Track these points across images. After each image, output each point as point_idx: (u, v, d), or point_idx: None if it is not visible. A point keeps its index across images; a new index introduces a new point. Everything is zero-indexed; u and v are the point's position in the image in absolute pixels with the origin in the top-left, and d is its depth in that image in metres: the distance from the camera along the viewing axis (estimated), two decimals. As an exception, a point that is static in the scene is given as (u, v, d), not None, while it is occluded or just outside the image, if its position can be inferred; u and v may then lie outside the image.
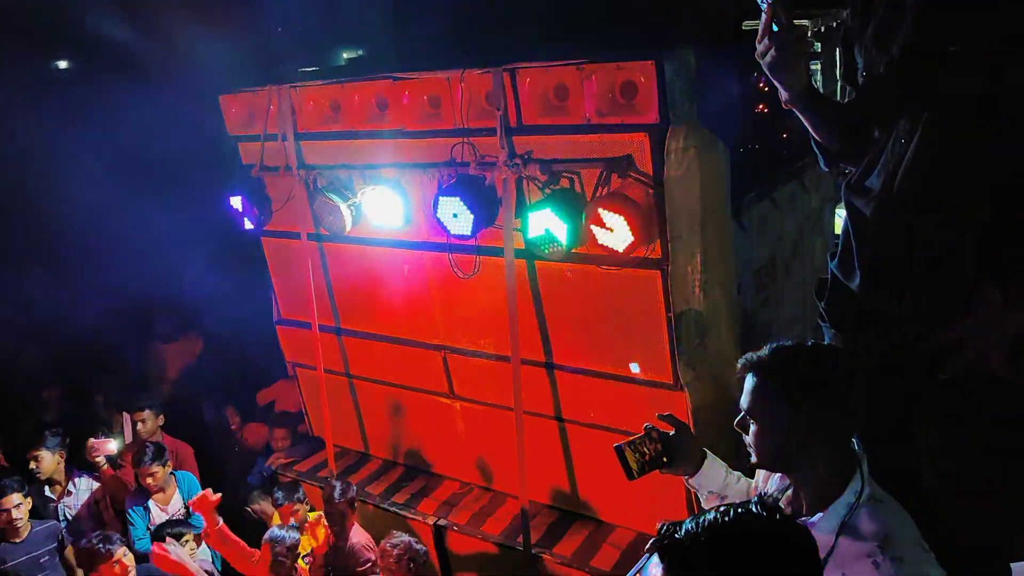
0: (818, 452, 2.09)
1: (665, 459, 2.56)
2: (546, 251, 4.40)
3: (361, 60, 5.24)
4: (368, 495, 5.79)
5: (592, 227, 4.15)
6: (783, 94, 2.08)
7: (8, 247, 7.48)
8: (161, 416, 6.18)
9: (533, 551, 4.96)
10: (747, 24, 5.62)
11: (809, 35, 2.09)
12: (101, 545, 4.76)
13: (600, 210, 4.10)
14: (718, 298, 4.51)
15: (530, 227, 4.39)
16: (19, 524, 5.28)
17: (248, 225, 5.75)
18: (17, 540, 5.31)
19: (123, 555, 4.82)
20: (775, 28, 1.95)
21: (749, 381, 2.19)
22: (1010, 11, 1.71)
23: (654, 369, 4.49)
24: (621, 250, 4.14)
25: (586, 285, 4.54)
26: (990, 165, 1.80)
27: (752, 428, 2.22)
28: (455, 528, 5.35)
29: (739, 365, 2.22)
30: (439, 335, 5.37)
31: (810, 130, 2.20)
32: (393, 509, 5.64)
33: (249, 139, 5.71)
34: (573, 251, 4.34)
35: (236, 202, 5.70)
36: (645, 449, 2.53)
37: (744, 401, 2.21)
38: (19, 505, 5.26)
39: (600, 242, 4.16)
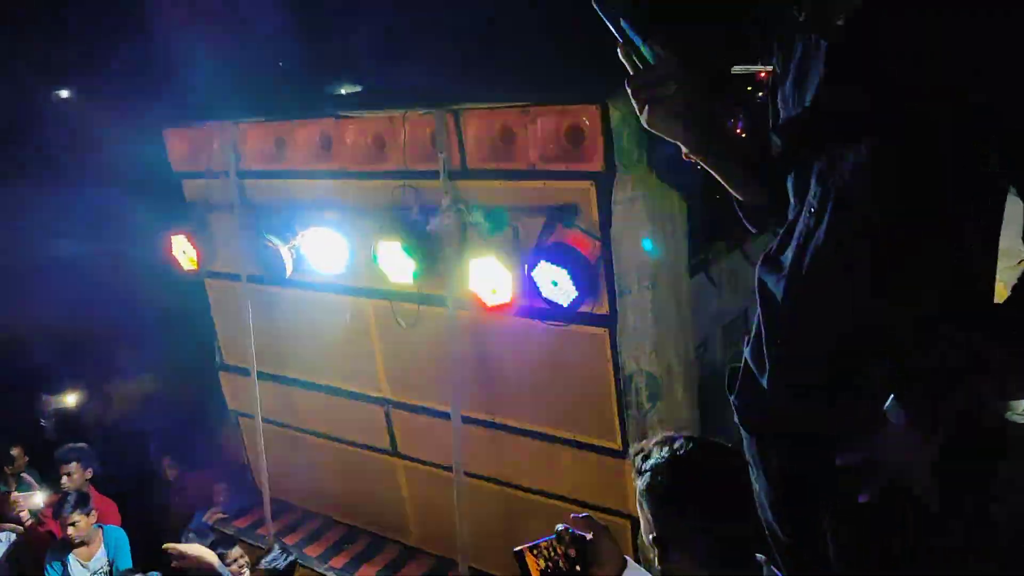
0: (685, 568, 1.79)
1: (578, 568, 2.20)
2: (488, 302, 4.13)
3: (308, 97, 4.99)
4: (304, 556, 5.42)
5: (535, 279, 3.88)
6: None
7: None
8: (90, 469, 5.80)
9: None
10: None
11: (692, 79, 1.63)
12: None
13: (543, 262, 3.82)
14: (673, 358, 4.20)
15: (471, 277, 4.13)
16: None
17: (190, 266, 5.48)
18: None
19: None
20: (638, 65, 1.64)
21: (644, 477, 1.89)
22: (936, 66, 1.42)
23: (601, 434, 4.17)
24: (565, 305, 3.86)
25: (531, 341, 4.24)
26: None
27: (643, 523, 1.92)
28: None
29: (631, 455, 1.92)
30: (382, 388, 5.05)
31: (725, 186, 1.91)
32: (330, 574, 5.27)
33: (193, 176, 5.45)
34: (518, 304, 4.07)
35: (178, 241, 5.44)
36: (554, 555, 2.18)
37: None
38: None
39: (544, 295, 3.89)
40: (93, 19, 5.65)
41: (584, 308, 3.93)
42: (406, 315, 4.67)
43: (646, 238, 3.80)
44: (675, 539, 1.83)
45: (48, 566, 5.22)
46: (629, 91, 1.58)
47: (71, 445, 6.01)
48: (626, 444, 4.09)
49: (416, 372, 4.84)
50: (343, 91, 5.09)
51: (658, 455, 1.83)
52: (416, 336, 4.68)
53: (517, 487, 4.54)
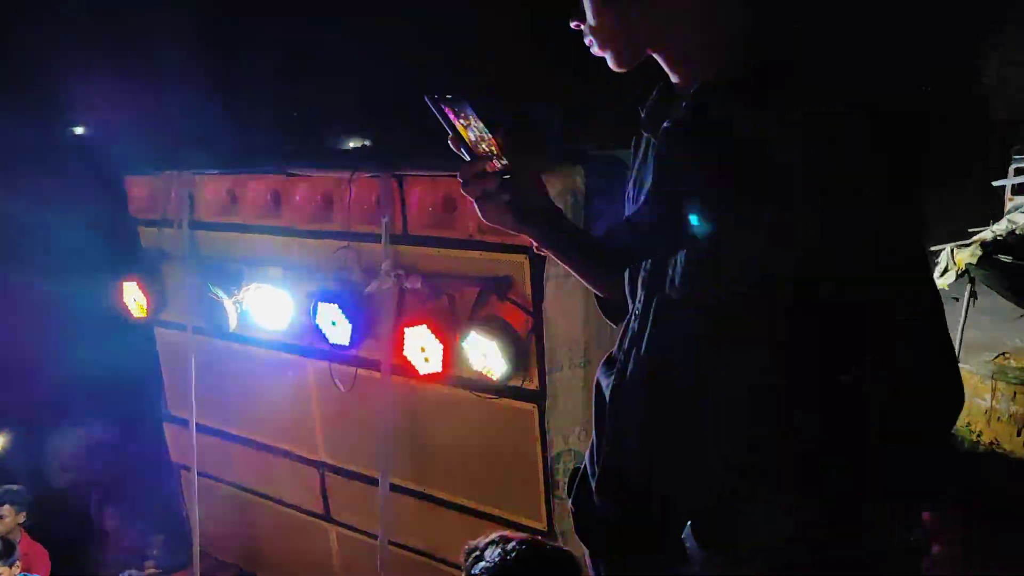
0: None
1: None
2: (420, 370, 4.06)
3: (262, 153, 5.00)
4: (231, 620, 5.26)
5: (467, 350, 3.81)
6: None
7: None
8: (23, 514, 5.67)
9: None
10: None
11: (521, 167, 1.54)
12: None
13: (474, 332, 3.76)
14: (606, 438, 4.11)
15: (407, 344, 4.07)
16: None
17: (139, 313, 5.43)
18: None
19: None
20: (466, 155, 1.59)
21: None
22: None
23: (527, 513, 4.05)
24: (495, 378, 3.79)
25: (461, 412, 4.16)
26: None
27: None
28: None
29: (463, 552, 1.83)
30: (319, 451, 4.95)
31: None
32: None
33: (149, 224, 5.44)
34: (449, 374, 4.00)
35: (130, 288, 5.40)
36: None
37: None
38: None
39: (475, 367, 3.82)
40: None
41: (514, 382, 3.85)
42: (344, 377, 4.60)
43: (577, 315, 3.74)
44: None
45: (-36, 615, 5.07)
46: (460, 182, 1.53)
47: (6, 487, 5.88)
48: (551, 525, 3.97)
49: (352, 436, 4.74)
50: (294, 148, 5.10)
51: (489, 558, 1.75)
52: (353, 399, 4.59)
53: (442, 561, 4.40)
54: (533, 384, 3.85)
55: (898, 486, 1.32)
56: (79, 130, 7.24)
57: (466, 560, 1.82)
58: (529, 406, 3.89)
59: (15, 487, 5.89)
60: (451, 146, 1.51)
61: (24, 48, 5.87)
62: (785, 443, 1.36)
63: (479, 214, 1.54)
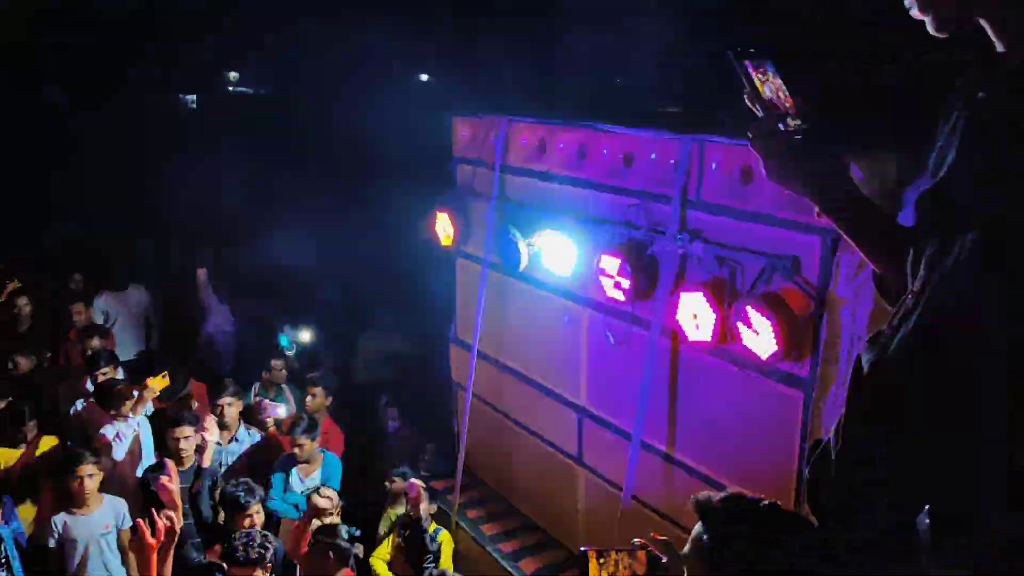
0: None
1: None
2: (689, 336, 4.09)
3: (577, 108, 5.23)
4: (479, 531, 5.71)
5: (739, 324, 3.77)
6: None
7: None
8: (330, 398, 6.57)
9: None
10: None
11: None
12: (243, 494, 5.08)
13: (750, 308, 3.71)
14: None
15: (681, 308, 4.10)
16: (88, 495, 5.30)
17: (446, 242, 5.98)
18: (82, 511, 5.35)
19: (256, 511, 5.11)
20: (760, 111, 1.54)
21: (697, 524, 1.84)
22: None
23: (776, 497, 3.93)
24: (763, 357, 3.72)
25: (723, 385, 4.12)
26: None
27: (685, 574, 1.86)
28: (543, 597, 5.10)
29: (691, 499, 1.86)
30: (580, 397, 5.17)
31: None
32: (495, 555, 5.50)
33: (466, 162, 5.94)
34: (718, 345, 3.99)
35: (442, 218, 5.96)
36: (620, 566, 2.19)
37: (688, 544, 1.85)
38: (92, 475, 5.29)
39: (744, 343, 3.77)
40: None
41: (783, 365, 3.76)
42: (615, 331, 4.75)
43: (862, 307, 3.53)
44: None
45: (274, 473, 6.00)
46: (749, 137, 1.55)
47: (321, 373, 6.85)
48: (798, 517, 3.84)
49: (613, 388, 4.89)
50: (604, 104, 5.25)
51: (727, 505, 1.77)
52: (620, 353, 4.74)
53: (678, 524, 4.43)
54: (804, 370, 3.72)
55: None
56: (423, 77, 7.97)
57: (702, 506, 1.86)
58: (796, 392, 3.77)
59: (330, 375, 6.84)
60: (746, 101, 1.53)
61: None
62: None
63: (763, 171, 1.56)
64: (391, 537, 5.48)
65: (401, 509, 5.53)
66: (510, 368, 5.83)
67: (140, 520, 3.38)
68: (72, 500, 5.42)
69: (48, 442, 6.18)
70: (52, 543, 5.40)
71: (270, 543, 4.32)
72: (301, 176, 8.59)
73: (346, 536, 4.69)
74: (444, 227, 5.97)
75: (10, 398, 6.37)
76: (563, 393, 5.31)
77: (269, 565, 4.31)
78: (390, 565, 5.38)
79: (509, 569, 5.38)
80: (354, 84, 7.13)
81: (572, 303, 5.08)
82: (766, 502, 1.80)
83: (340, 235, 7.10)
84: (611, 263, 4.44)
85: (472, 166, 5.87)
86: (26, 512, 5.91)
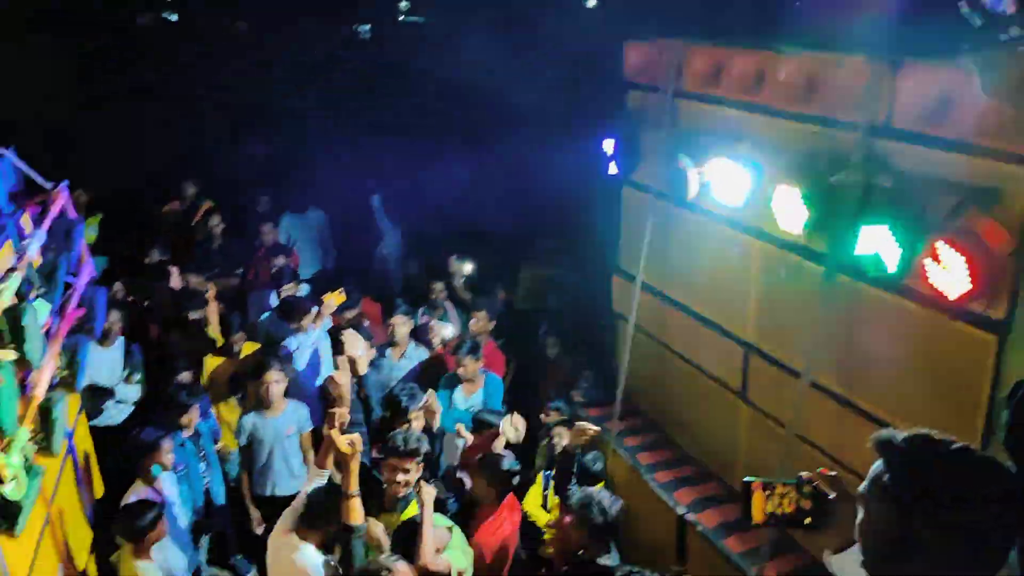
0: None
1: (807, 521, 2.15)
2: (870, 272, 3.87)
3: (754, 29, 4.95)
4: (636, 460, 5.77)
5: (926, 260, 3.53)
6: None
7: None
8: (493, 322, 6.76)
9: (763, 586, 4.55)
10: None
11: None
12: (406, 398, 5.37)
13: (940, 243, 3.45)
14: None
15: (860, 241, 3.88)
16: (273, 399, 5.81)
17: (613, 171, 5.91)
18: (269, 414, 5.89)
19: (416, 416, 5.40)
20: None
21: (877, 463, 1.75)
22: None
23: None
24: (952, 297, 3.47)
25: (906, 325, 3.89)
26: None
27: (860, 512, 1.78)
28: (698, 527, 5.10)
29: (872, 437, 1.77)
30: (747, 331, 5.04)
31: None
32: (652, 484, 5.55)
33: (637, 88, 5.81)
34: (901, 282, 3.76)
35: (609, 145, 5.88)
36: (786, 499, 2.15)
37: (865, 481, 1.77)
38: (277, 381, 5.80)
39: (930, 280, 3.53)
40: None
41: (975, 306, 3.49)
42: (788, 265, 4.57)
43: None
44: None
45: (438, 391, 6.28)
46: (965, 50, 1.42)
47: (487, 299, 7.05)
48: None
49: (783, 324, 4.73)
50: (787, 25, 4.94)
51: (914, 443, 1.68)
52: (792, 288, 4.56)
53: (848, 468, 4.28)
54: (999, 313, 3.45)
55: None
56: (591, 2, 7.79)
57: (883, 444, 1.76)
58: (988, 336, 3.50)
59: (492, 300, 7.03)
60: (963, 7, 1.40)
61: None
62: None
63: (980, 88, 1.43)
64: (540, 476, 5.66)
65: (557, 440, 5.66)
66: (674, 300, 5.75)
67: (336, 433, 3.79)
68: (261, 403, 5.94)
69: (250, 347, 6.77)
70: (243, 441, 5.95)
71: (427, 443, 4.62)
72: (468, 104, 8.71)
73: (508, 467, 4.85)
74: (612, 156, 5.89)
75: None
76: (729, 327, 5.20)
77: (423, 463, 4.59)
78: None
79: (665, 498, 5.40)
80: (523, 10, 7.09)
81: (743, 235, 4.92)
82: (957, 444, 1.69)
83: (506, 163, 7.18)
84: (788, 193, 4.24)
85: (643, 92, 5.74)
86: (229, 414, 6.51)
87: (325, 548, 4.21)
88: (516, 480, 4.99)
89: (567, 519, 4.46)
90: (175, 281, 7.65)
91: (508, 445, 5.31)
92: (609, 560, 4.43)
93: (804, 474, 2.19)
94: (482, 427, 5.73)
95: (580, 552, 4.43)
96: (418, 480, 4.49)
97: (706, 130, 5.07)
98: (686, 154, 5.03)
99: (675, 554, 5.34)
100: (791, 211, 4.26)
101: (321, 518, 4.16)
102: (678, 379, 5.86)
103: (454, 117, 9.37)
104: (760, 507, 2.14)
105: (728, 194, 4.81)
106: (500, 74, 7.37)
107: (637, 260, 5.79)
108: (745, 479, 2.18)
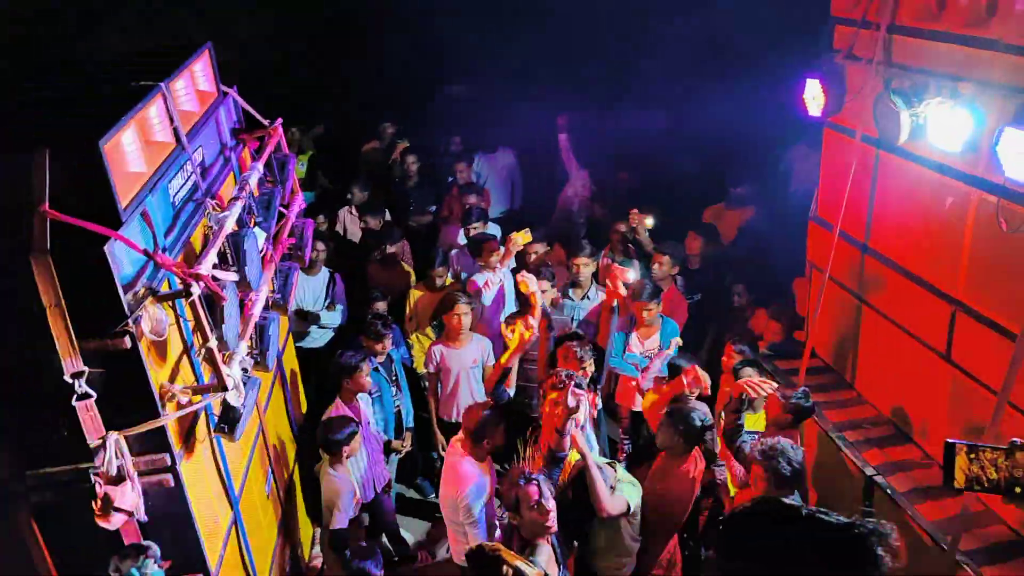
0: None
1: (1019, 490, 2.00)
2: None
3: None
4: (823, 417, 5.55)
5: None
6: None
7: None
8: (676, 267, 6.67)
9: (957, 559, 4.28)
10: None
11: None
12: (576, 345, 5.43)
13: None
14: None
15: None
16: (461, 332, 6.12)
17: (814, 112, 5.58)
18: (456, 345, 6.17)
19: (585, 354, 5.42)
20: None
21: None
22: None
23: None
24: None
25: None
26: None
27: None
28: (887, 491, 4.86)
29: None
30: (956, 288, 4.66)
31: None
32: (839, 443, 5.32)
33: (846, 23, 5.41)
34: None
35: (811, 85, 5.55)
36: (994, 465, 2.01)
37: None
38: (465, 315, 6.05)
39: None
40: None
41: None
42: (1012, 217, 4.15)
43: None
44: None
45: (616, 333, 6.31)
46: None
47: (672, 243, 6.96)
48: None
49: (1000, 282, 4.34)
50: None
51: None
52: (1014, 243, 4.15)
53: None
54: None
55: None
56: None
57: None
58: None
59: (679, 247, 6.92)
60: None
61: None
62: None
63: None
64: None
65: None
66: (875, 251, 5.41)
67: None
68: (449, 335, 6.23)
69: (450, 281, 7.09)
70: (431, 368, 6.28)
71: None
72: (662, 42, 8.44)
73: (701, 422, 4.77)
74: (814, 95, 5.54)
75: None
76: (934, 283, 4.83)
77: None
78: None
79: (852, 458, 5.18)
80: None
81: (958, 183, 4.52)
82: None
83: (700, 105, 6.95)
84: (1017, 138, 3.84)
85: (852, 27, 5.33)
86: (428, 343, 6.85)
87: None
88: (708, 436, 4.94)
89: (754, 468, 4.36)
90: (373, 218, 8.10)
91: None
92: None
93: (1018, 440, 2.04)
94: (675, 372, 5.67)
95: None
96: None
97: (922, 68, 4.66)
98: (898, 94, 4.66)
99: (859, 517, 5.12)
100: (1020, 157, 3.86)
101: (480, 432, 4.72)
102: (874, 335, 5.54)
103: (647, 56, 9.13)
104: (963, 471, 2.02)
105: (945, 138, 4.43)
106: (696, 10, 7.12)
107: (836, 207, 5.47)
108: (948, 440, 2.06)
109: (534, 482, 3.94)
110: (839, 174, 5.48)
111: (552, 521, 3.93)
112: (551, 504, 3.94)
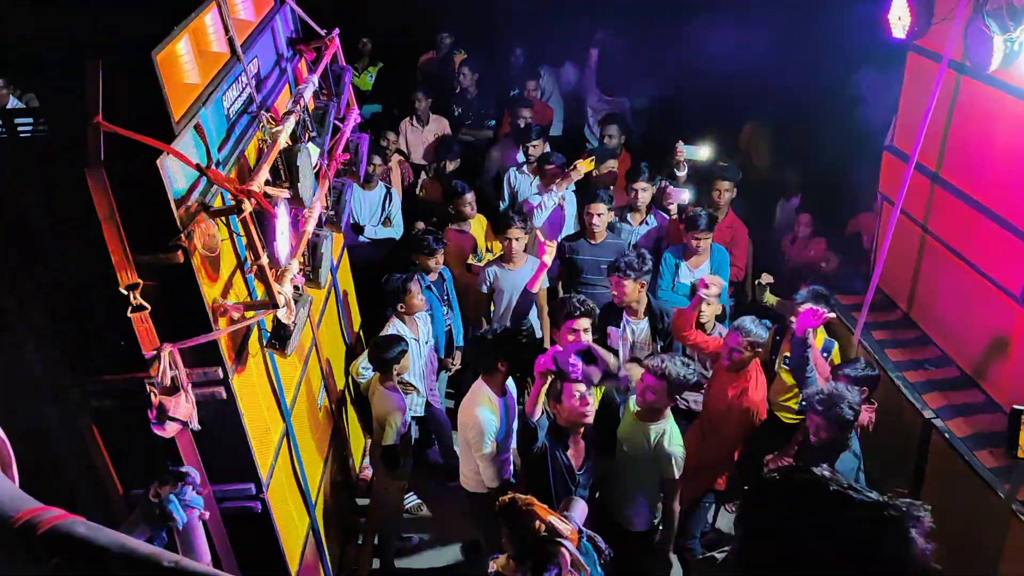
0: None
1: None
2: None
3: None
4: (883, 355, 5.39)
5: None
6: None
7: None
8: (735, 191, 6.45)
9: (1013, 507, 4.16)
10: None
11: None
12: (636, 260, 5.29)
13: None
14: None
15: None
16: (514, 254, 5.98)
17: (898, 33, 5.23)
18: (509, 267, 6.04)
19: (636, 280, 5.30)
20: None
21: None
22: None
23: None
24: None
25: None
26: None
27: None
28: (945, 435, 4.74)
29: None
30: (1038, 227, 4.41)
31: None
32: (898, 382, 5.18)
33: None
34: None
35: (898, 5, 5.18)
36: None
37: None
38: (517, 239, 5.92)
39: None
40: None
41: None
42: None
43: None
44: None
45: (666, 255, 6.17)
46: None
47: (726, 164, 6.72)
48: None
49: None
50: None
51: None
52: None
53: None
54: None
55: None
56: None
57: None
58: None
59: (733, 167, 6.68)
60: None
61: None
62: None
63: None
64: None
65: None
66: (952, 185, 5.13)
67: None
68: (502, 256, 6.17)
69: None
70: (484, 289, 6.25)
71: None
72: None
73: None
74: (899, 15, 5.19)
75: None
76: (1015, 222, 4.57)
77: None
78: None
79: (911, 399, 5.04)
80: None
81: (1051, 116, 4.22)
82: None
83: (771, 24, 6.56)
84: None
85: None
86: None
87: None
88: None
89: (812, 419, 4.24)
90: (429, 132, 7.98)
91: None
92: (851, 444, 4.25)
93: None
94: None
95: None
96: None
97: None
98: (992, 17, 4.32)
99: (914, 461, 5.02)
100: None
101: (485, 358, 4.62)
102: (945, 274, 5.31)
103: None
104: None
105: (1043, 67, 4.12)
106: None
107: (914, 137, 5.18)
108: (1015, 407, 1.94)
109: (582, 376, 3.94)
110: (920, 101, 5.17)
111: (591, 414, 4.06)
112: (592, 398, 4.06)
